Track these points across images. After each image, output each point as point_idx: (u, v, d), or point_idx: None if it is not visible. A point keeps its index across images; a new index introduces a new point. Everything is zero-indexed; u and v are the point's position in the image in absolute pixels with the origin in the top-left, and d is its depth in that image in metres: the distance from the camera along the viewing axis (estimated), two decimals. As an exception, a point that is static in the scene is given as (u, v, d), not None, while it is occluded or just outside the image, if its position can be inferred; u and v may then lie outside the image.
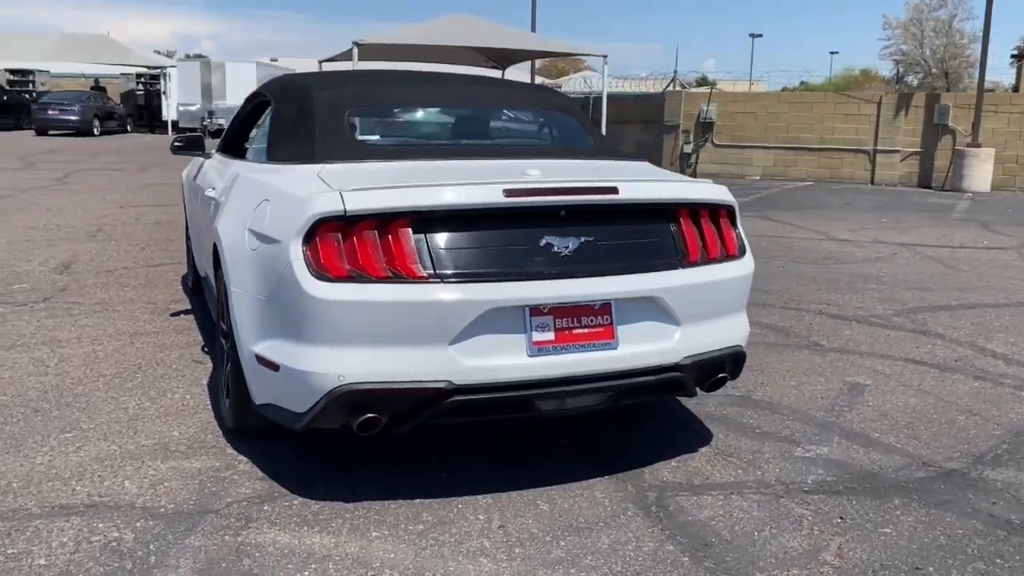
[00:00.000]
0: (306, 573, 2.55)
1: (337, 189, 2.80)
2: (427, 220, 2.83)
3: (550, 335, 2.91)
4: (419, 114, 4.13)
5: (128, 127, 31.32)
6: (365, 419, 2.80)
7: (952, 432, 3.77)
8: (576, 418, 3.68)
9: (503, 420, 3.37)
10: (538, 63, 27.28)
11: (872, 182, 16.74)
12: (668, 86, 21.59)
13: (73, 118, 28.14)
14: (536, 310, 2.89)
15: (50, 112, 28.07)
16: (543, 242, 2.92)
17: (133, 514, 2.88)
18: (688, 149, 17.98)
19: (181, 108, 29.53)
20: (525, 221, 2.94)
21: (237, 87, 29.25)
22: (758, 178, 17.33)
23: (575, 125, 4.04)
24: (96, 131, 28.61)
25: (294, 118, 3.65)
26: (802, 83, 35.61)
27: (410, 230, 2.82)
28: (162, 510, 2.92)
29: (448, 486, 3.12)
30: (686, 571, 2.61)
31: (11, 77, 35.02)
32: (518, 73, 26.70)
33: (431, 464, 3.31)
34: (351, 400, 2.78)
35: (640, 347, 3.04)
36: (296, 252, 2.78)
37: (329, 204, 2.76)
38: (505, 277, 2.86)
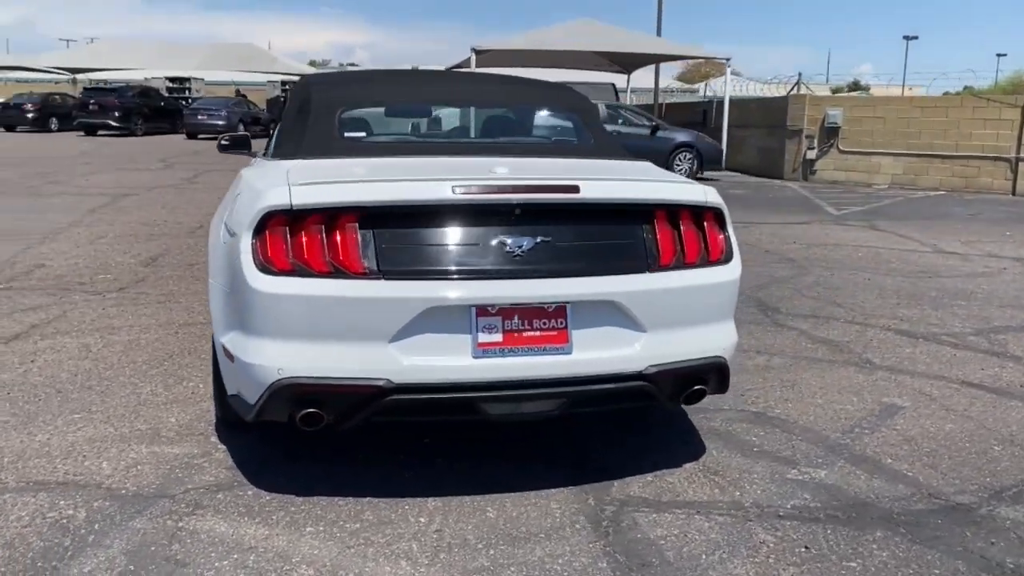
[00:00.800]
0: (225, 563, 2.57)
1: (288, 183, 2.82)
2: (375, 216, 2.81)
3: (497, 337, 2.82)
4: (416, 112, 4.12)
5: (271, 131, 32.88)
6: (306, 414, 2.79)
7: (979, 463, 3.42)
8: (561, 422, 3.56)
9: (483, 422, 3.30)
10: (678, 67, 26.85)
11: (1014, 193, 15.51)
12: (792, 89, 20.76)
13: (220, 122, 29.82)
14: (483, 310, 2.81)
15: (199, 117, 29.91)
16: (495, 241, 2.84)
17: (96, 494, 2.99)
18: (812, 155, 17.23)
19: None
20: (477, 219, 2.86)
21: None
22: (885, 186, 16.39)
23: (579, 124, 3.92)
24: (240, 134, 30.16)
25: (294, 116, 3.72)
26: (966, 88, 33.53)
27: (357, 225, 2.80)
28: (123, 492, 3.02)
29: (404, 486, 3.09)
30: (609, 590, 2.47)
31: (170, 84, 37.53)
32: (645, 75, 26.37)
33: (396, 462, 3.28)
34: (291, 394, 2.78)
35: (597, 353, 2.91)
36: (246, 245, 2.82)
37: (277, 198, 2.78)
38: (450, 276, 2.79)
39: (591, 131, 3.87)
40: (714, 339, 3.13)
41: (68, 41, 57.64)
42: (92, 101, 30.47)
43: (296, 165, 3.20)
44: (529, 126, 4.12)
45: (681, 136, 17.81)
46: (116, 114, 30.17)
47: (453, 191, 2.80)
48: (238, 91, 36.88)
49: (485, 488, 3.07)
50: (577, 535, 2.78)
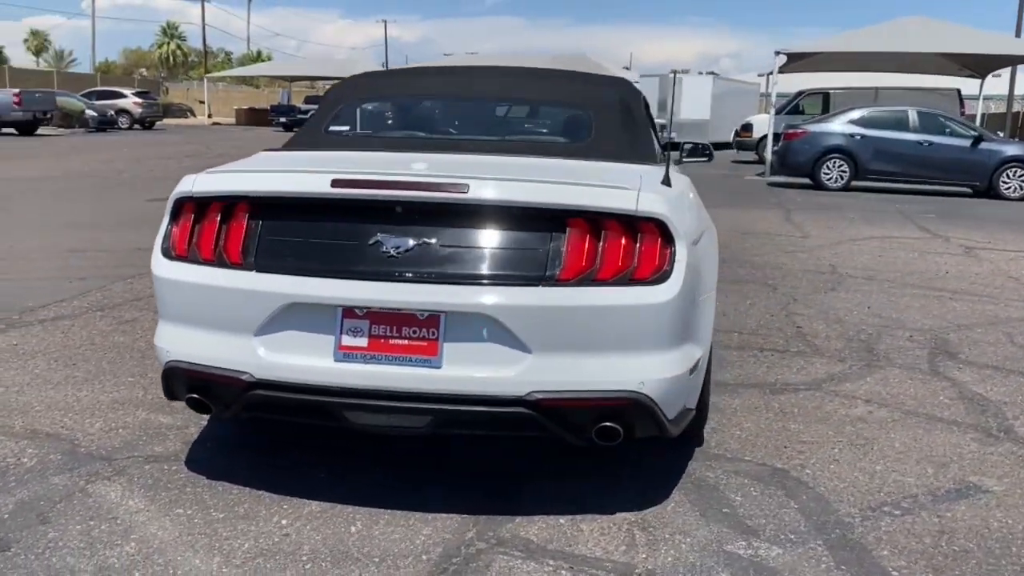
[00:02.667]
0: (78, 527, 2.70)
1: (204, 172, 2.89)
2: (262, 207, 2.78)
3: (362, 341, 2.65)
4: (420, 108, 3.96)
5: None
6: (190, 398, 2.84)
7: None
8: (534, 441, 3.26)
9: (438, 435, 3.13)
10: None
11: None
12: None
13: (543, 129, 31.24)
14: (350, 312, 2.66)
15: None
16: (373, 240, 2.67)
17: (58, 447, 3.30)
18: None
19: (639, 121, 31.02)
20: (357, 215, 2.71)
21: (692, 101, 29.91)
22: None
23: (589, 121, 3.53)
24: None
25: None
26: None
27: (247, 216, 2.79)
28: (81, 449, 3.29)
29: (309, 487, 3.01)
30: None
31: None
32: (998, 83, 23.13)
33: (334, 464, 3.21)
34: (175, 377, 2.85)
35: (471, 371, 2.62)
36: (161, 230, 2.93)
37: (185, 185, 2.86)
38: (318, 272, 2.67)
39: (603, 128, 3.48)
40: (629, 370, 2.66)
41: (447, 55, 63.77)
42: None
43: (259, 156, 3.26)
44: (536, 122, 3.81)
45: (1012, 149, 15.37)
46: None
47: (331, 185, 2.67)
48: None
49: (383, 502, 2.90)
50: (410, 568, 2.52)
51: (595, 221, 2.66)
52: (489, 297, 2.59)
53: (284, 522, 2.77)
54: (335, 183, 2.67)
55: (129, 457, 3.23)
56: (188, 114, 47.87)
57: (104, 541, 2.62)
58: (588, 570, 2.53)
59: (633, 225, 2.68)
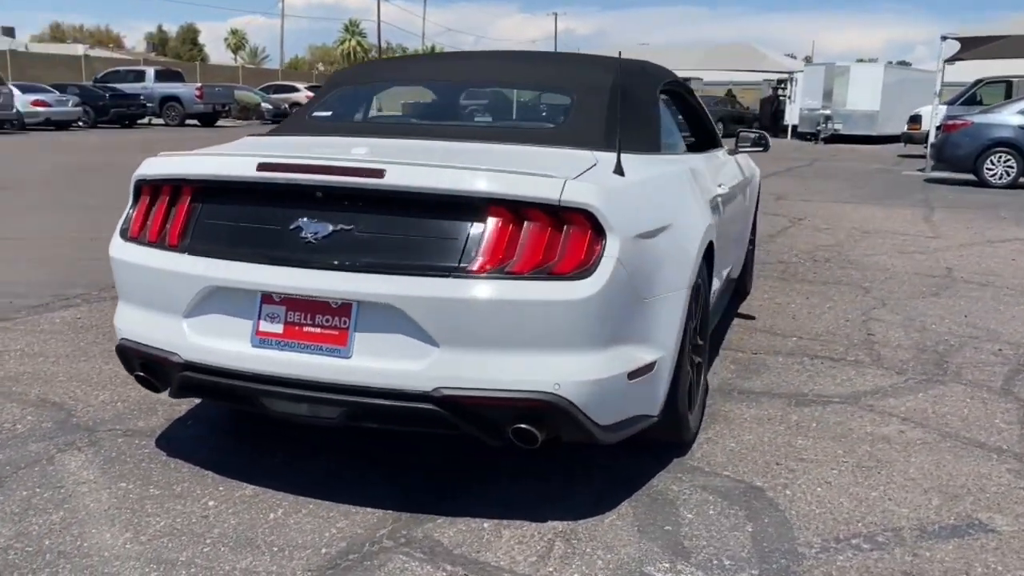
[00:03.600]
0: (24, 493, 2.84)
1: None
2: (202, 190, 2.81)
3: (278, 327, 2.63)
4: (402, 94, 3.84)
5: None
6: (136, 375, 2.93)
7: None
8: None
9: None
10: None
11: None
12: None
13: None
14: (268, 298, 2.64)
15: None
16: (294, 225, 2.63)
17: (53, 415, 3.49)
18: None
19: (802, 112, 29.62)
20: (281, 200, 2.68)
21: (860, 91, 28.22)
22: None
23: (570, 106, 3.33)
24: (719, 134, 30.40)
25: None
26: None
27: (190, 199, 2.83)
28: (72, 420, 3.47)
29: (256, 471, 3.03)
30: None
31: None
32: None
33: (284, 450, 3.22)
34: (124, 355, 2.94)
35: (380, 363, 2.54)
36: (124, 212, 3.03)
37: (141, 168, 2.94)
38: (241, 257, 2.67)
39: (582, 113, 3.28)
40: (543, 370, 2.50)
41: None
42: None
43: (241, 140, 3.31)
44: (519, 108, 3.64)
45: None
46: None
47: (257, 168, 2.66)
48: (729, 91, 37.07)
49: (318, 492, 2.88)
50: (303, 560, 2.48)
51: (518, 211, 2.51)
52: (396, 287, 2.49)
53: (211, 503, 2.80)
54: (260, 167, 2.66)
55: (110, 430, 3.36)
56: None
57: (38, 509, 2.73)
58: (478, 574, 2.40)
59: (559, 216, 2.50)
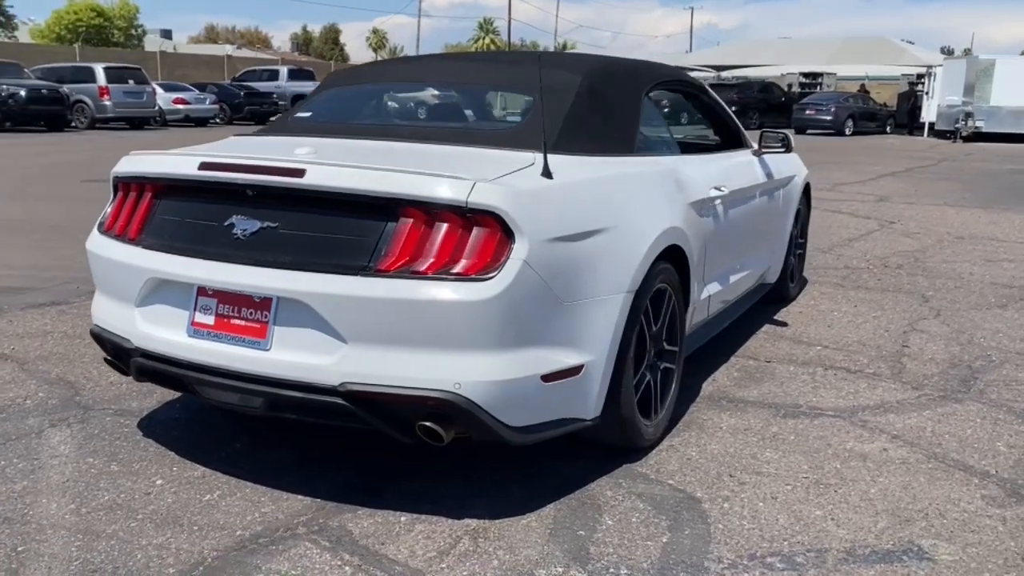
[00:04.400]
0: (13, 460, 3.10)
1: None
2: (160, 188, 2.99)
3: (210, 319, 2.78)
4: (372, 96, 3.87)
5: (887, 128, 31.05)
6: (106, 359, 3.15)
7: None
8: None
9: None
10: None
11: None
12: None
13: (827, 118, 29.30)
14: (203, 291, 2.79)
15: (807, 112, 29.78)
16: (228, 222, 2.78)
17: (62, 393, 3.78)
18: None
19: (940, 109, 28.05)
20: (217, 197, 2.83)
21: (1007, 86, 26.46)
22: None
23: (528, 108, 3.32)
24: (848, 131, 29.21)
25: None
26: None
27: (150, 195, 3.02)
28: (76, 398, 3.75)
29: (214, 454, 3.20)
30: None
31: (803, 80, 37.85)
32: None
33: (249, 435, 3.38)
34: (96, 340, 3.16)
35: (295, 356, 2.64)
36: (106, 208, 3.26)
37: (117, 166, 3.15)
38: (183, 252, 2.83)
39: (539, 114, 3.26)
40: (444, 369, 2.53)
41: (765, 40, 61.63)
42: (716, 97, 32.51)
43: (225, 140, 3.49)
44: (475, 108, 3.64)
45: None
46: (733, 109, 31.56)
47: (199, 167, 2.82)
48: (862, 86, 35.45)
49: (260, 477, 3.01)
50: (215, 540, 2.61)
51: (429, 212, 2.55)
52: (307, 284, 2.59)
53: (159, 482, 2.98)
54: (201, 166, 2.81)
55: (104, 409, 3.61)
56: (487, 103, 50.66)
57: (7, 477, 2.98)
58: (374, 570, 2.46)
59: (468, 218, 2.54)
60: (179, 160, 2.92)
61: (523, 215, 2.54)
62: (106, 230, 3.13)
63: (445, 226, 2.55)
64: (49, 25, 41.06)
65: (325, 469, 3.10)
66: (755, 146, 4.79)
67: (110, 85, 23.76)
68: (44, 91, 22.07)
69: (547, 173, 2.76)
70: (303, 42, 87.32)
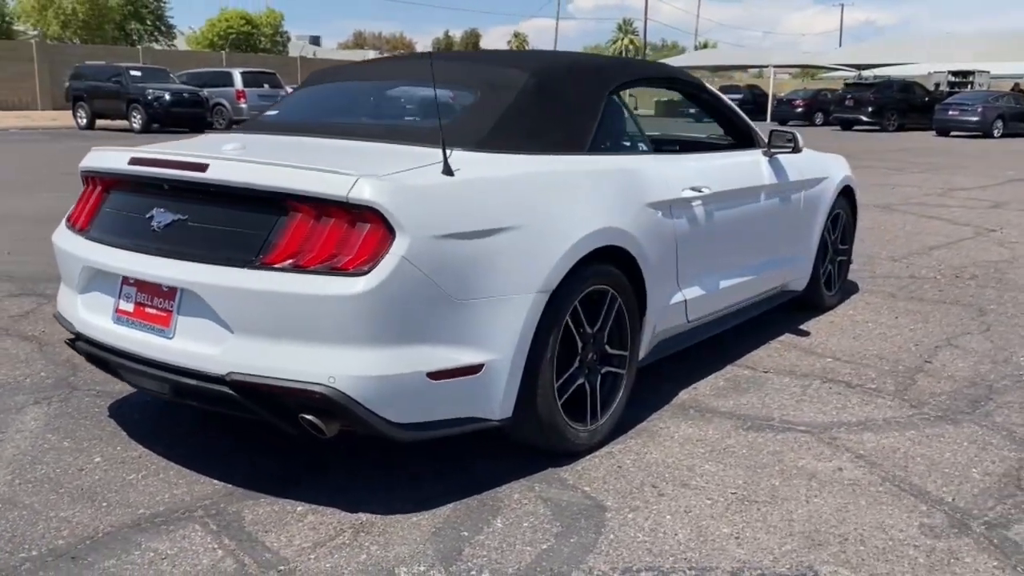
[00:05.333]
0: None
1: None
2: (109, 181, 3.17)
3: (130, 307, 2.92)
4: (340, 94, 3.88)
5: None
6: (65, 341, 3.36)
7: None
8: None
9: None
10: None
11: None
12: None
13: (972, 119, 27.52)
14: (126, 280, 2.94)
15: (950, 113, 28.05)
16: (148, 215, 2.91)
17: (60, 373, 4.05)
18: None
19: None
20: (142, 191, 2.97)
21: None
22: None
23: (464, 106, 3.28)
24: (996, 133, 27.34)
25: None
26: None
27: (101, 189, 3.21)
28: (71, 378, 4.00)
29: (160, 438, 3.36)
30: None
31: (952, 79, 35.67)
32: None
33: (205, 427, 3.51)
34: (59, 324, 3.38)
35: (192, 346, 2.74)
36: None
37: (82, 161, 3.36)
38: (112, 243, 2.99)
39: (480, 111, 3.24)
40: (323, 362, 2.57)
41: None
42: (849, 96, 31.15)
43: (201, 137, 3.65)
44: (421, 106, 3.61)
45: None
46: (869, 109, 30.29)
47: (128, 162, 2.97)
48: (1016, 85, 32.98)
49: (191, 462, 3.12)
50: (115, 514, 2.74)
51: (316, 207, 2.60)
52: (201, 275, 2.69)
53: (98, 460, 3.15)
54: (130, 161, 2.96)
55: (88, 390, 3.85)
56: (618, 105, 50.32)
57: (-29, 448, 3.23)
58: (242, 555, 2.53)
59: (352, 213, 2.57)
60: (116, 155, 3.08)
61: (404, 211, 2.55)
62: (67, 222, 3.33)
63: (331, 221, 2.58)
64: (203, 33, 43.93)
65: (254, 457, 3.19)
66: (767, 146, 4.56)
67: (246, 89, 25.09)
68: (186, 95, 23.53)
69: (447, 170, 2.75)
70: (445, 47, 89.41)
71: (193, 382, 2.72)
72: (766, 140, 4.57)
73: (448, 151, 2.89)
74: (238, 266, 2.63)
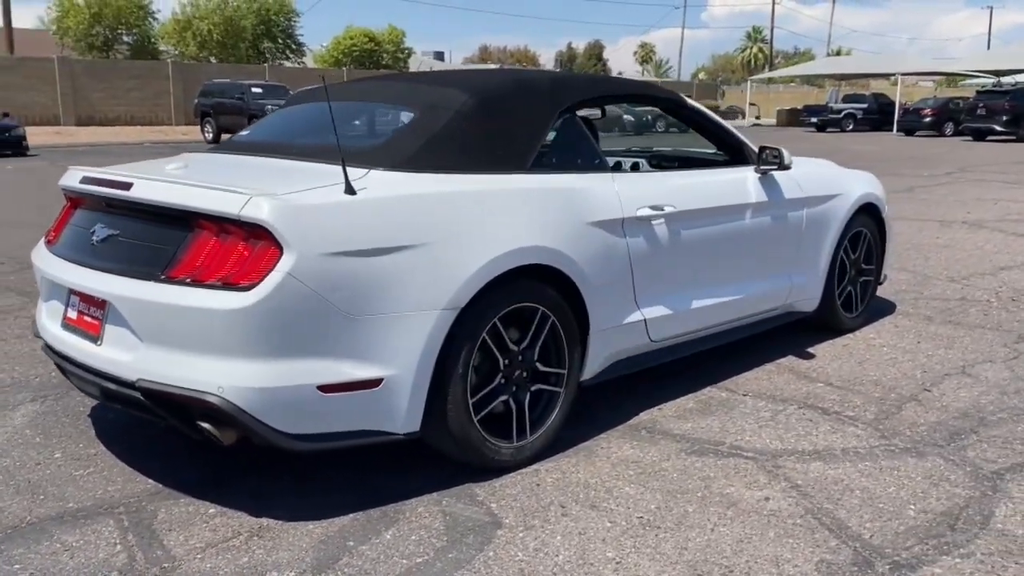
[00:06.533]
0: (-36, 428, 3.70)
1: (78, 169, 3.65)
2: (74, 198, 3.43)
3: (74, 315, 3.15)
4: (303, 115, 3.98)
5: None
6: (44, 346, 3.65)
7: None
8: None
9: None
10: None
11: None
12: None
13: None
14: (72, 290, 3.18)
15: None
16: (92, 230, 3.15)
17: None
18: None
19: None
20: (89, 207, 3.21)
21: None
22: None
23: (406, 125, 3.34)
24: None
25: None
26: None
27: (70, 205, 3.48)
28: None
29: (124, 441, 3.59)
30: None
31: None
32: None
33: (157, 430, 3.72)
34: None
35: (114, 353, 2.93)
36: (61, 219, 3.77)
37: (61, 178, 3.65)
38: (63, 256, 3.24)
39: (402, 133, 3.32)
40: (214, 373, 2.71)
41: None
42: (981, 104, 29.48)
43: (180, 156, 3.90)
44: (363, 126, 3.68)
45: None
46: (1003, 118, 28.55)
47: (79, 181, 3.22)
48: None
49: (140, 463, 3.34)
50: (43, 508, 2.96)
51: (218, 224, 2.76)
52: (115, 287, 2.88)
53: (57, 455, 3.40)
54: (80, 180, 3.20)
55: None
56: (739, 116, 49.28)
57: (-46, 439, 3.55)
58: (136, 551, 2.69)
59: (247, 230, 2.71)
60: (75, 174, 3.32)
61: (292, 229, 2.66)
62: (44, 237, 3.61)
63: (229, 238, 2.72)
64: (329, 51, 45.80)
65: (198, 461, 3.36)
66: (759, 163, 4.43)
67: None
68: (300, 110, 24.57)
69: (349, 190, 2.85)
70: (568, 59, 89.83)
71: (114, 386, 2.92)
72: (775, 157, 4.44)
73: (365, 170, 3.00)
74: (147, 279, 2.81)
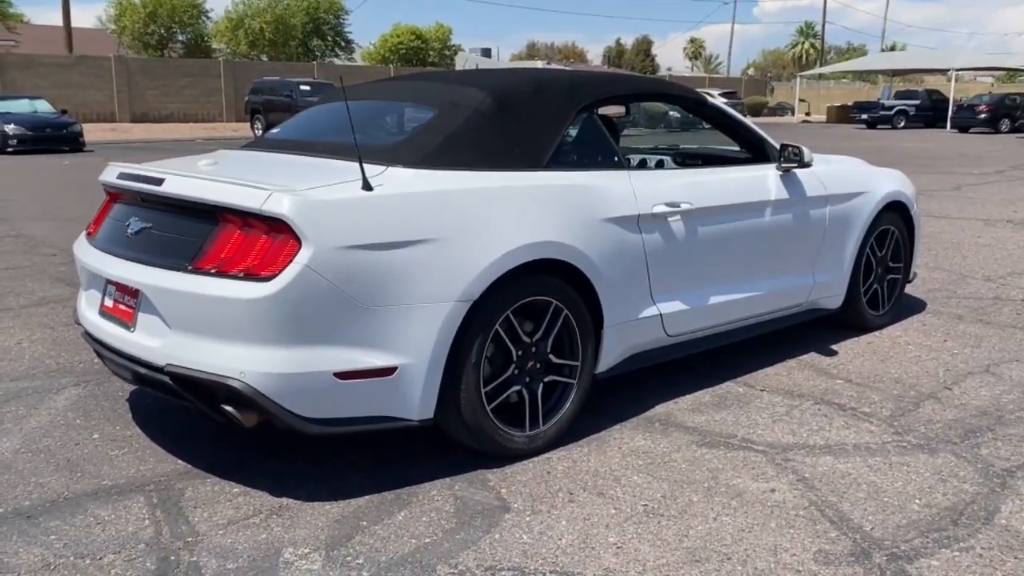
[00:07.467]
0: (18, 409, 3.91)
1: (122, 165, 3.84)
2: (113, 193, 3.61)
3: (111, 303, 3.33)
4: (332, 114, 4.08)
5: None
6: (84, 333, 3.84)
7: None
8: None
9: None
10: None
11: None
12: None
13: None
14: (108, 280, 3.36)
15: None
16: (128, 223, 3.32)
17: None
18: None
19: None
20: (126, 202, 3.38)
21: None
22: None
23: (423, 125, 3.45)
24: None
25: None
26: None
27: (109, 200, 3.67)
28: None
29: (158, 423, 3.78)
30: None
31: None
32: None
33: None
34: (79, 316, 3.86)
35: (145, 339, 3.10)
36: (106, 212, 3.96)
37: (101, 174, 3.84)
38: (103, 248, 3.42)
39: (422, 131, 3.43)
40: (236, 358, 2.85)
41: None
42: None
43: (216, 153, 4.07)
44: (395, 126, 3.79)
45: None
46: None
47: (116, 176, 3.40)
48: None
49: (178, 445, 3.52)
50: (79, 484, 3.15)
51: (243, 218, 2.90)
52: (147, 277, 3.05)
53: (96, 436, 3.59)
54: (118, 175, 3.38)
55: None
56: (788, 112, 48.64)
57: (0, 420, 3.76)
58: (163, 525, 2.85)
59: (268, 224, 2.85)
60: (113, 170, 3.50)
61: (310, 223, 2.79)
62: (86, 230, 3.80)
63: (251, 231, 2.87)
64: (377, 48, 46.36)
65: (225, 443, 3.52)
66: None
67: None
68: (345, 106, 24.92)
69: (367, 186, 2.97)
70: (616, 55, 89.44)
71: (144, 370, 3.08)
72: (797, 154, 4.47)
73: (384, 167, 3.12)
74: (176, 270, 2.97)
